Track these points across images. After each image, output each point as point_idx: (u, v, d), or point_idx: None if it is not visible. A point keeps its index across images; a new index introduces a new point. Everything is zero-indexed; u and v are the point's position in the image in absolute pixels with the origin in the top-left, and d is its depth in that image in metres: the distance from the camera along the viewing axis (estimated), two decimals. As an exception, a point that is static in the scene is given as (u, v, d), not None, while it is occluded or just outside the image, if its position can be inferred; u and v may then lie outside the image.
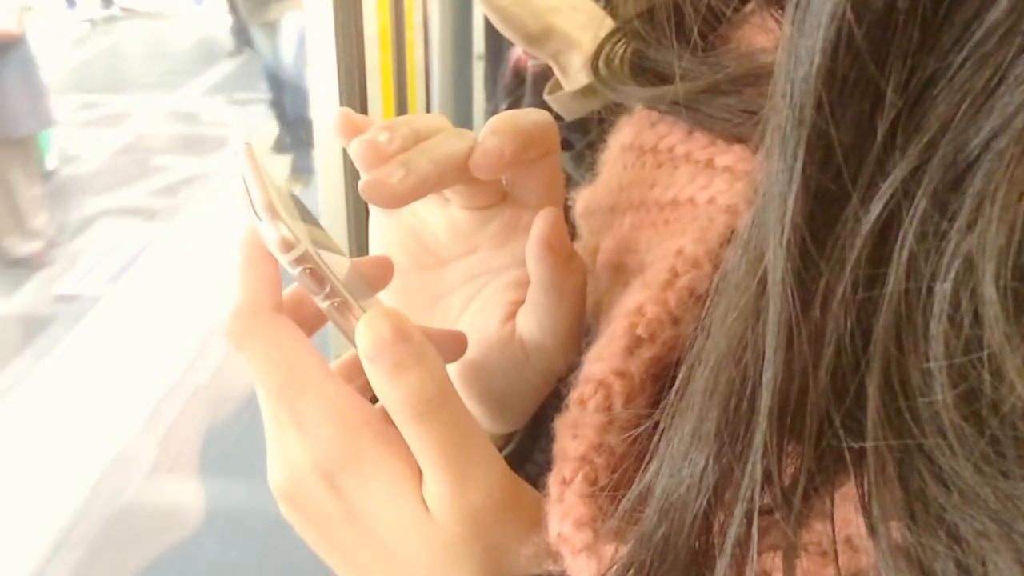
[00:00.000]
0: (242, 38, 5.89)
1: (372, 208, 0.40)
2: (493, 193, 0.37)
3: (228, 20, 6.05)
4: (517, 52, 0.97)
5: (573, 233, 0.43)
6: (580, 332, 0.38)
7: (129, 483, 2.13)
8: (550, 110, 0.63)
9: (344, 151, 0.58)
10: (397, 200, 0.32)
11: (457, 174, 0.33)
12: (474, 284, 0.39)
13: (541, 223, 0.34)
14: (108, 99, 4.35)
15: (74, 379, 2.46)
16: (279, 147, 4.07)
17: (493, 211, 0.37)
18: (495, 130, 0.33)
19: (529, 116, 0.34)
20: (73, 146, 3.89)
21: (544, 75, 0.80)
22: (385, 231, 0.39)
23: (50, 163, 3.56)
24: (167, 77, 5.39)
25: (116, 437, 2.30)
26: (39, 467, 2.20)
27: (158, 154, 4.07)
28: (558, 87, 0.68)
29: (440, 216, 0.38)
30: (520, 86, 0.90)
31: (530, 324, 0.37)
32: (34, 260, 2.95)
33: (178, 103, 4.91)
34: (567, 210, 0.41)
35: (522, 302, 0.37)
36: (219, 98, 5.11)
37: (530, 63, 0.87)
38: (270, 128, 4.08)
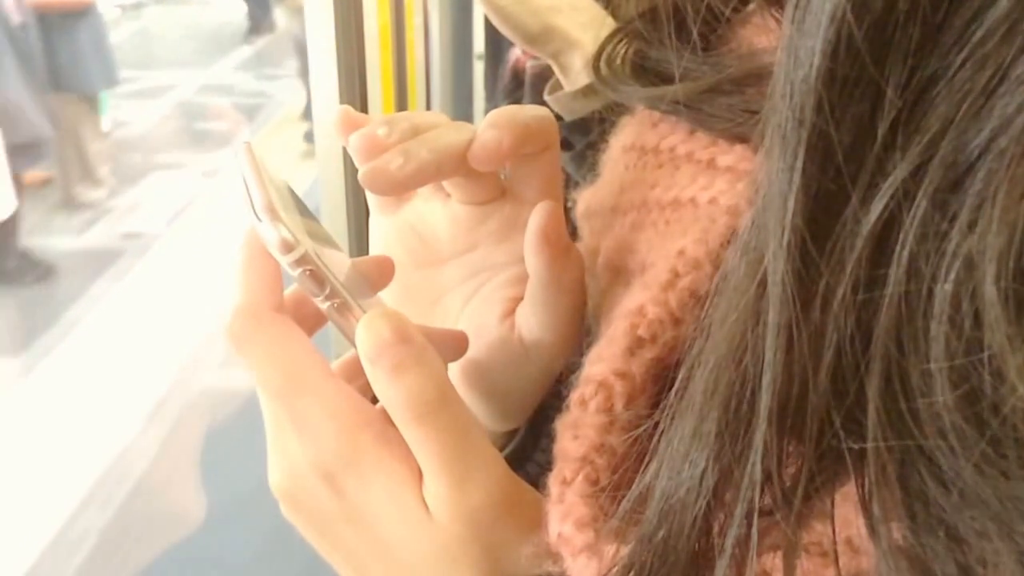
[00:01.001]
0: (258, 22, 6.55)
1: (371, 207, 0.40)
2: (492, 188, 0.37)
3: (243, 7, 6.64)
4: (516, 53, 0.97)
5: (574, 233, 0.43)
6: (579, 328, 0.38)
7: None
8: (549, 110, 0.63)
9: (345, 151, 0.58)
10: (396, 187, 0.33)
11: (456, 164, 0.33)
12: (474, 281, 0.39)
13: (538, 216, 0.34)
14: (146, 74, 4.83)
15: (141, 303, 2.86)
16: (307, 115, 4.31)
17: (493, 207, 0.37)
18: (493, 123, 0.33)
19: (528, 111, 0.35)
20: (120, 114, 4.37)
21: (542, 76, 0.80)
22: (385, 230, 0.39)
23: (104, 125, 3.91)
24: (196, 56, 5.93)
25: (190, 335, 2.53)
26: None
27: (199, 120, 4.68)
28: (558, 87, 0.68)
29: (440, 213, 0.38)
30: (519, 87, 0.90)
31: (529, 320, 0.37)
32: (100, 205, 3.42)
33: (211, 78, 5.48)
34: (567, 210, 0.41)
35: (521, 299, 0.37)
36: (248, 74, 5.68)
37: (528, 64, 0.87)
38: (299, 98, 4.57)
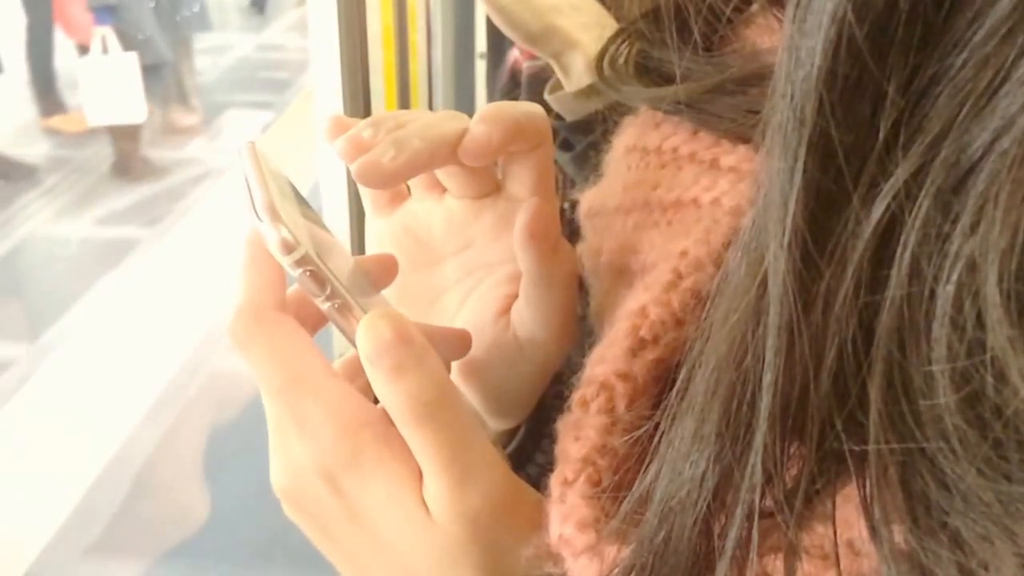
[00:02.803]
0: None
1: (367, 210, 0.40)
2: (488, 181, 0.37)
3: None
4: (515, 54, 0.97)
5: (575, 232, 0.43)
6: (573, 324, 0.38)
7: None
8: (546, 111, 0.63)
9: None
10: (390, 179, 0.33)
11: (448, 152, 0.33)
12: (470, 280, 0.39)
13: (525, 214, 0.35)
14: (207, 35, 5.37)
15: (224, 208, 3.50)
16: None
17: (486, 204, 0.37)
18: (483, 118, 0.34)
19: (519, 107, 0.35)
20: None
21: (538, 77, 0.80)
22: (380, 232, 0.40)
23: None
24: (248, 21, 6.72)
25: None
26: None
27: (260, 70, 5.49)
28: (559, 87, 0.68)
29: (435, 211, 0.38)
30: (516, 88, 0.90)
31: (523, 316, 0.37)
32: (192, 129, 4.27)
33: (264, 39, 6.26)
34: (564, 209, 0.41)
35: (517, 296, 0.37)
36: (295, 34, 6.24)
37: (525, 64, 0.87)
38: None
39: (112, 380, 2.58)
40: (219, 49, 5.58)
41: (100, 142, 3.84)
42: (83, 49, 3.48)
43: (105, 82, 3.35)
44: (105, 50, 3.38)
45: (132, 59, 3.38)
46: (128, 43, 3.43)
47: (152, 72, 3.62)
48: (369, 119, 0.34)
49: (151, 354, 2.67)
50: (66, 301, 2.77)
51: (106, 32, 3.38)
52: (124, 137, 3.75)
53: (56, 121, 4.17)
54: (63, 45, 4.04)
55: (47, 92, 4.23)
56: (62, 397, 2.50)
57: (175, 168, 3.83)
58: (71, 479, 2.19)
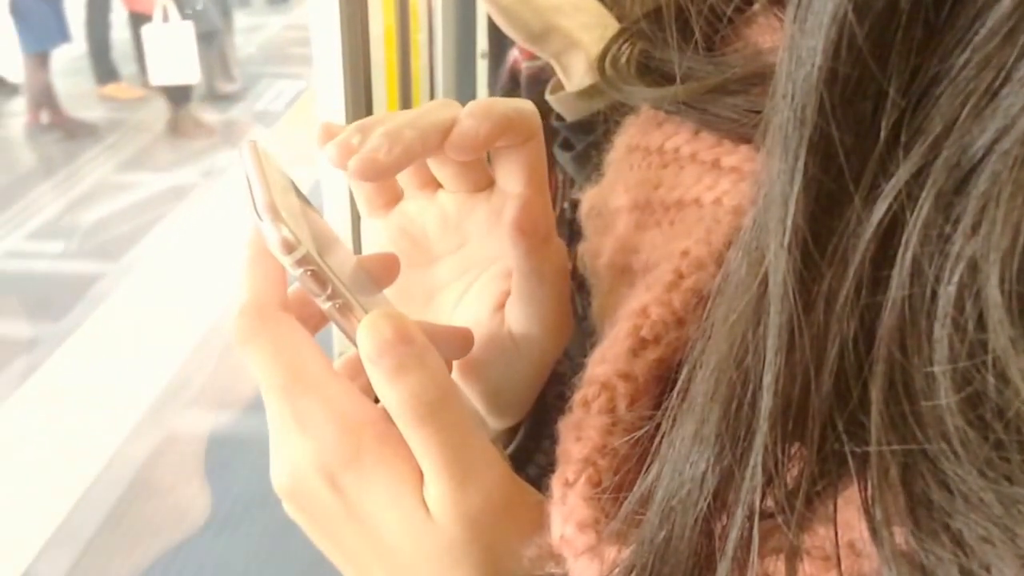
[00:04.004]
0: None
1: (362, 212, 0.40)
2: (480, 176, 0.37)
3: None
4: (514, 54, 0.97)
5: (578, 232, 0.43)
6: (568, 319, 0.38)
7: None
8: (545, 111, 0.63)
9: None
10: (385, 171, 0.32)
11: (440, 140, 0.33)
12: (466, 278, 0.39)
13: (512, 208, 0.34)
14: (241, 17, 6.03)
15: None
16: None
17: (480, 199, 0.37)
18: (471, 113, 0.34)
19: (508, 102, 0.35)
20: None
21: (537, 78, 0.80)
22: (377, 234, 0.40)
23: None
24: (275, 6, 7.32)
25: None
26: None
27: (289, 47, 6.10)
28: (560, 87, 0.68)
29: (429, 210, 0.38)
30: (516, 88, 0.90)
31: (516, 312, 0.37)
32: (233, 95, 4.91)
33: (292, 20, 6.73)
34: (566, 209, 0.41)
35: (510, 291, 0.37)
36: None
37: (524, 65, 0.87)
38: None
39: (112, 378, 2.59)
40: (251, 29, 6.31)
41: (150, 107, 4.50)
42: (144, 18, 3.96)
43: (165, 47, 3.86)
44: (166, 18, 3.85)
45: (189, 27, 3.88)
46: (184, 13, 3.94)
47: (202, 40, 4.07)
48: (355, 124, 0.34)
49: (151, 353, 2.68)
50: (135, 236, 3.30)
51: (167, 2, 3.85)
52: (179, 99, 4.32)
53: (111, 89, 4.77)
54: (117, 19, 4.69)
55: (103, 62, 4.78)
56: (62, 395, 2.51)
57: (221, 128, 4.51)
58: (71, 478, 2.20)
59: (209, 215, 3.58)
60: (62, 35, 4.40)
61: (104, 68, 4.78)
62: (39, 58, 4.30)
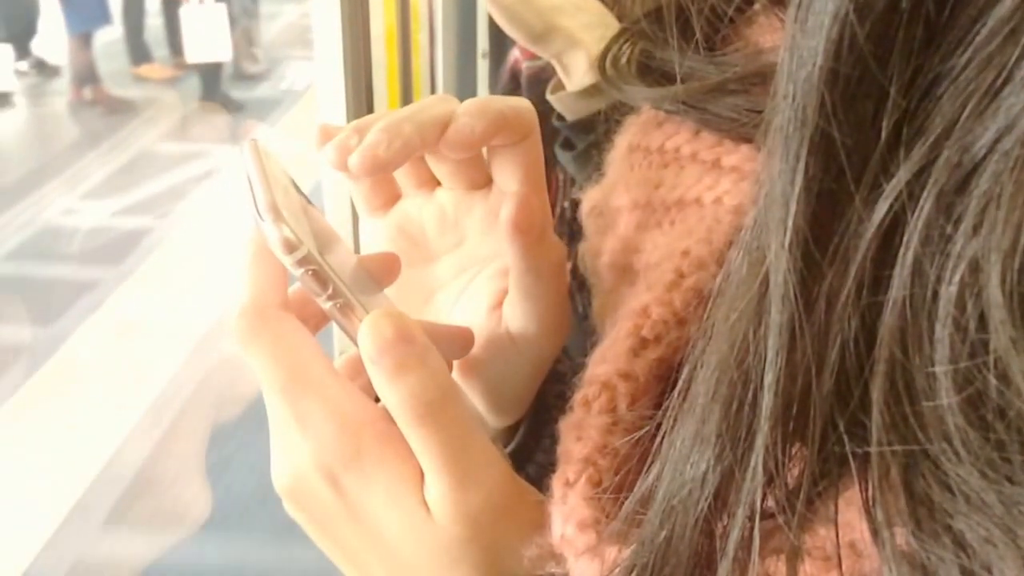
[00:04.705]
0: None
1: (360, 212, 0.40)
2: (478, 173, 0.37)
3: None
4: (515, 54, 0.97)
5: (578, 232, 0.43)
6: (565, 317, 0.38)
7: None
8: (545, 111, 0.63)
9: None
10: (385, 167, 0.32)
11: (438, 134, 0.33)
12: (464, 277, 0.39)
13: (509, 205, 0.34)
14: (262, 6, 6.31)
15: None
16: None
17: (478, 198, 0.37)
18: (467, 111, 0.33)
19: (504, 100, 0.35)
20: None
21: (538, 77, 0.80)
22: (375, 234, 0.40)
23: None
24: None
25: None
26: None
27: (306, 32, 5.90)
28: (560, 87, 0.68)
29: (427, 208, 0.38)
30: (517, 88, 0.90)
31: (514, 310, 0.37)
32: (258, 75, 5.30)
33: (308, 8, 6.87)
34: (566, 208, 0.41)
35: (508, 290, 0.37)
36: None
37: (525, 65, 0.87)
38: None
39: (113, 376, 2.59)
40: (271, 15, 6.58)
41: (181, 86, 4.95)
42: (177, 2, 4.38)
43: (201, 27, 4.27)
44: (201, 0, 4.25)
45: (222, 8, 4.29)
46: (217, -4, 4.42)
47: (230, 24, 4.49)
48: (351, 124, 0.34)
49: (153, 351, 2.68)
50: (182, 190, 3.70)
51: (202, -14, 4.30)
52: (210, 76, 4.74)
53: (144, 69, 5.14)
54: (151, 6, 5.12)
55: (137, 44, 5.17)
56: (63, 393, 2.51)
57: (248, 104, 4.94)
58: (72, 476, 2.20)
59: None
60: (104, 18, 4.87)
61: (138, 50, 5.16)
62: (83, 39, 4.71)
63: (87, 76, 4.71)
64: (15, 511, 2.12)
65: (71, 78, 4.77)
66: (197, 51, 4.33)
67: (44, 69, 5.09)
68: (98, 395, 2.52)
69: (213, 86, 4.78)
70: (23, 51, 5.00)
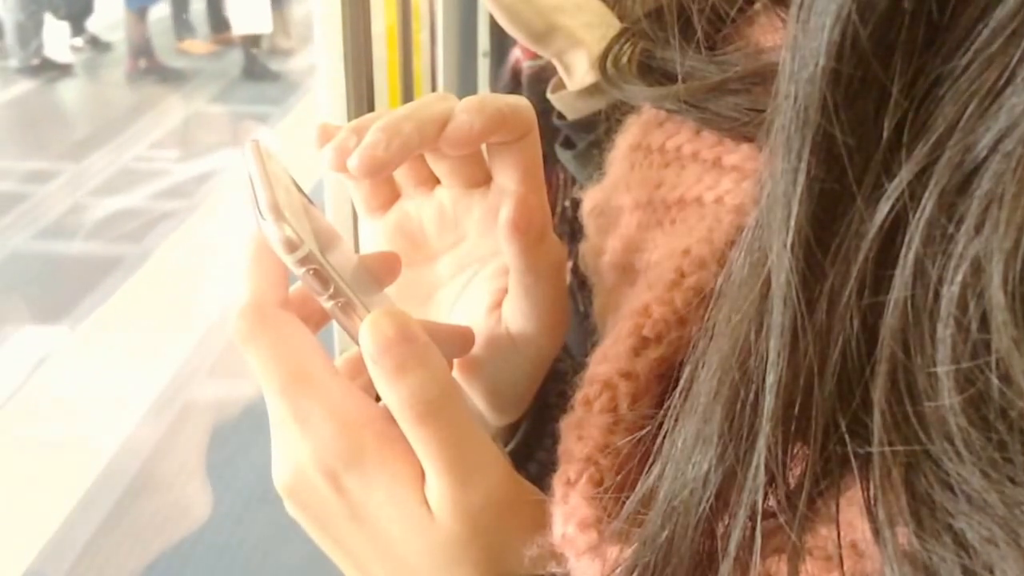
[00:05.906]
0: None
1: (359, 212, 0.40)
2: (477, 171, 0.37)
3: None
4: (516, 54, 0.97)
5: (579, 231, 0.43)
6: (565, 317, 0.38)
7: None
8: (545, 111, 0.63)
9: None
10: (385, 166, 0.32)
11: (437, 132, 0.33)
12: (464, 276, 0.39)
13: (507, 205, 0.34)
14: None
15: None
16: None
17: (477, 197, 0.37)
18: (465, 108, 0.33)
19: (503, 98, 0.34)
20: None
21: (539, 77, 0.80)
22: (374, 234, 0.40)
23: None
24: None
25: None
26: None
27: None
28: (561, 86, 0.68)
29: (426, 207, 0.38)
30: (518, 87, 0.90)
31: (513, 309, 0.37)
32: (290, 51, 5.73)
33: None
34: (567, 207, 0.41)
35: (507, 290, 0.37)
36: None
37: (525, 64, 0.87)
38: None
39: (113, 376, 2.59)
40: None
41: (222, 60, 5.58)
42: None
43: (244, 2, 5.01)
44: None
45: None
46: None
47: None
48: (350, 125, 0.34)
49: (153, 350, 2.69)
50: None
51: (242, -33, 4.90)
52: (251, 48, 5.37)
53: (187, 44, 5.73)
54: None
55: (182, 21, 5.79)
56: (63, 391, 2.52)
57: (284, 75, 5.55)
58: (72, 476, 2.20)
59: (286, 132, 4.64)
60: (158, -6, 5.57)
61: (183, 26, 5.81)
62: (139, 14, 5.36)
63: (142, 48, 5.31)
64: (15, 511, 2.12)
65: (128, 50, 5.35)
66: (242, 23, 5.12)
67: (97, 45, 5.63)
68: (97, 395, 2.52)
69: (252, 58, 5.45)
70: (79, 28, 5.53)
